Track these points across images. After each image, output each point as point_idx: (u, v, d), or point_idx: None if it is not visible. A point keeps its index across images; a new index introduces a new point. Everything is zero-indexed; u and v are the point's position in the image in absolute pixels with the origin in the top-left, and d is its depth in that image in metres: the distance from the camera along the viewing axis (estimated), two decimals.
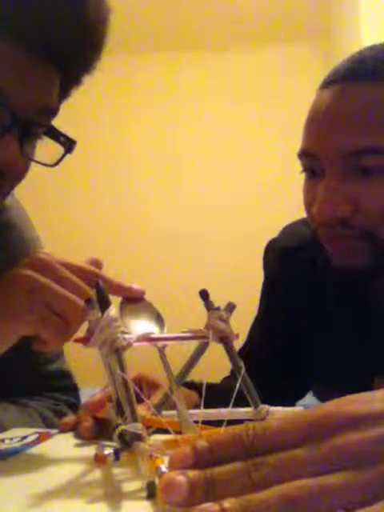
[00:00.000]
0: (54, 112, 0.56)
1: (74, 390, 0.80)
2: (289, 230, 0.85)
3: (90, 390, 0.66)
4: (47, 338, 0.48)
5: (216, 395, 0.55)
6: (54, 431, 0.56)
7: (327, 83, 0.64)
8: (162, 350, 0.47)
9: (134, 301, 0.52)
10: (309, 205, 0.66)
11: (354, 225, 0.61)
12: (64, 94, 0.59)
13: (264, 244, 0.88)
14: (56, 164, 0.57)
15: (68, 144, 0.57)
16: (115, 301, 0.48)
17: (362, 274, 0.65)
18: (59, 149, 0.57)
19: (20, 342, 0.50)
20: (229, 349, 0.49)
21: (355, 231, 0.61)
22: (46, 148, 0.58)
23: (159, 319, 0.51)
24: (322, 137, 0.62)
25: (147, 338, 0.46)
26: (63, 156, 0.57)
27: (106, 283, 0.48)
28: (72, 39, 0.53)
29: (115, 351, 0.41)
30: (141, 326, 0.48)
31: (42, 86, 0.53)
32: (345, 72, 0.62)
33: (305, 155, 0.65)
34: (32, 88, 0.52)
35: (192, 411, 0.49)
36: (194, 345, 0.51)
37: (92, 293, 0.46)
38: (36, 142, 0.57)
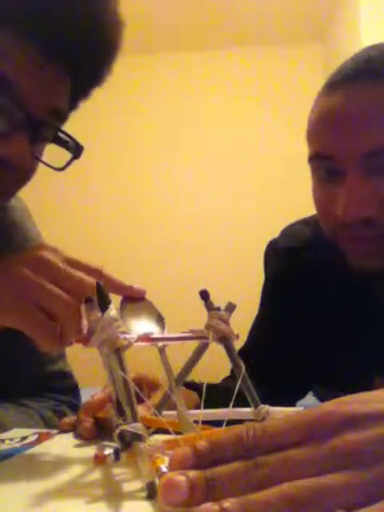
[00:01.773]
0: (63, 116, 0.57)
1: (74, 390, 0.80)
2: (289, 231, 0.85)
3: (90, 389, 0.66)
4: (34, 338, 0.45)
5: (216, 395, 0.55)
6: (54, 431, 0.56)
7: (335, 85, 0.63)
8: (162, 350, 0.47)
9: (134, 300, 0.52)
10: (326, 207, 0.65)
11: (378, 224, 0.61)
12: (73, 104, 0.60)
13: (264, 244, 0.88)
14: (63, 168, 0.57)
15: (76, 149, 0.57)
16: (116, 300, 0.48)
17: (377, 274, 0.64)
18: (64, 152, 0.58)
19: (21, 342, 0.50)
20: (229, 349, 0.49)
21: (379, 230, 0.61)
22: (49, 150, 0.58)
23: (160, 319, 0.50)
24: (340, 138, 0.62)
25: (147, 338, 0.46)
26: (71, 161, 0.58)
27: (108, 281, 0.47)
28: (87, 43, 0.53)
29: (115, 351, 0.41)
30: (141, 325, 0.48)
31: (54, 87, 0.54)
32: (354, 72, 0.62)
33: (320, 158, 0.65)
34: (45, 89, 0.53)
35: (192, 411, 0.49)
36: (193, 345, 0.51)
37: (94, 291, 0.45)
38: (44, 145, 0.58)
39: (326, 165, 0.64)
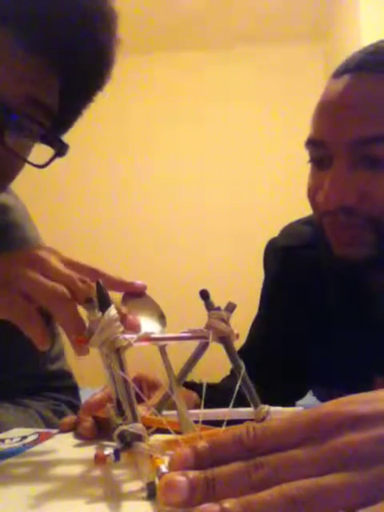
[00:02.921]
0: (47, 109, 0.55)
1: (74, 389, 0.80)
2: (289, 230, 0.85)
3: (90, 389, 0.66)
4: (21, 327, 0.44)
5: (216, 395, 0.55)
6: (54, 431, 0.56)
7: (339, 73, 0.64)
8: (162, 349, 0.47)
9: (136, 296, 0.51)
10: (313, 192, 0.65)
11: (358, 213, 0.61)
12: (72, 107, 0.59)
13: (264, 243, 0.88)
14: (45, 165, 0.56)
15: (59, 147, 0.56)
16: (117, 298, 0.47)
17: (362, 264, 0.64)
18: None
19: (21, 341, 0.50)
20: (229, 349, 0.49)
21: (359, 220, 0.61)
22: (46, 150, 0.58)
23: (161, 316, 0.50)
24: (332, 125, 0.62)
25: (147, 338, 0.46)
26: (53, 158, 0.56)
27: (108, 280, 0.47)
28: (73, 40, 0.53)
29: (115, 351, 0.41)
30: (143, 322, 0.48)
31: (34, 79, 0.52)
32: (358, 62, 0.62)
33: (313, 143, 0.65)
34: (20, 77, 0.51)
35: (192, 411, 0.49)
36: (194, 345, 0.51)
37: (93, 287, 0.45)
38: (29, 141, 0.56)
39: (317, 151, 0.64)
